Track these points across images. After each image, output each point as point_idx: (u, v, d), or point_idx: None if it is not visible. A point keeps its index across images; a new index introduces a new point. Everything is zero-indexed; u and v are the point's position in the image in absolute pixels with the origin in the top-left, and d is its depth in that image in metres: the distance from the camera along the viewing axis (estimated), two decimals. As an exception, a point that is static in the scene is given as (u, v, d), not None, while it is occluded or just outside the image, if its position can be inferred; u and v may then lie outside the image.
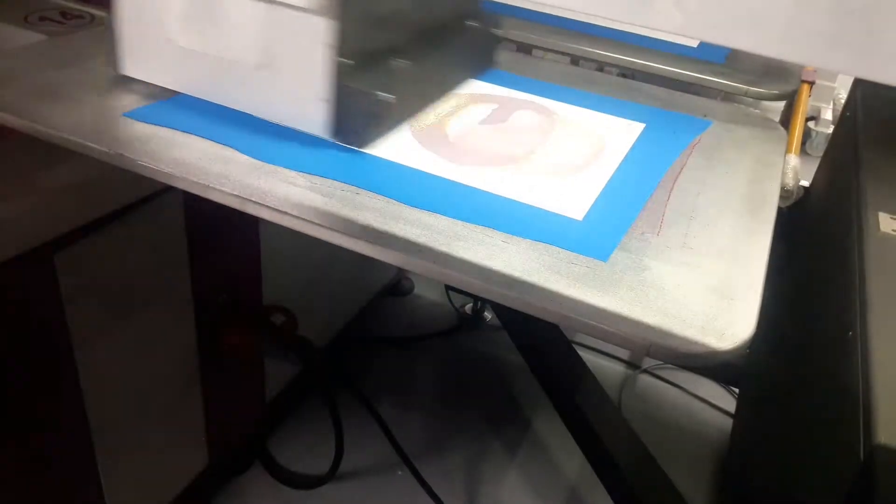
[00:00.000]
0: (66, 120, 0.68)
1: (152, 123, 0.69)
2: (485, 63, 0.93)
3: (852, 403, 0.55)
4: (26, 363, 0.84)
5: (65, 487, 0.96)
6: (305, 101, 0.68)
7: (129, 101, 0.72)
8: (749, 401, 1.31)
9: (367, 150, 0.69)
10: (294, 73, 0.67)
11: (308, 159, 0.66)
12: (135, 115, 0.70)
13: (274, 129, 0.71)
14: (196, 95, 0.73)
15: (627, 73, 1.18)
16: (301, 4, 0.63)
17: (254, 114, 0.71)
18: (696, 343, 0.49)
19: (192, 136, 0.67)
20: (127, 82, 0.76)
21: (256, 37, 0.67)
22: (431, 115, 0.78)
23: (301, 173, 0.64)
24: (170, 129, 0.68)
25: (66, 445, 0.94)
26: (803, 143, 1.44)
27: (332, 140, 0.69)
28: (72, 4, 1.12)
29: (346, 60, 0.66)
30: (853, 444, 0.52)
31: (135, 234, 0.93)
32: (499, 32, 1.16)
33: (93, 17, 1.09)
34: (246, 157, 0.65)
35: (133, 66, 0.75)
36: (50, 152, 0.69)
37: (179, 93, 0.74)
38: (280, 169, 0.64)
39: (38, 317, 0.84)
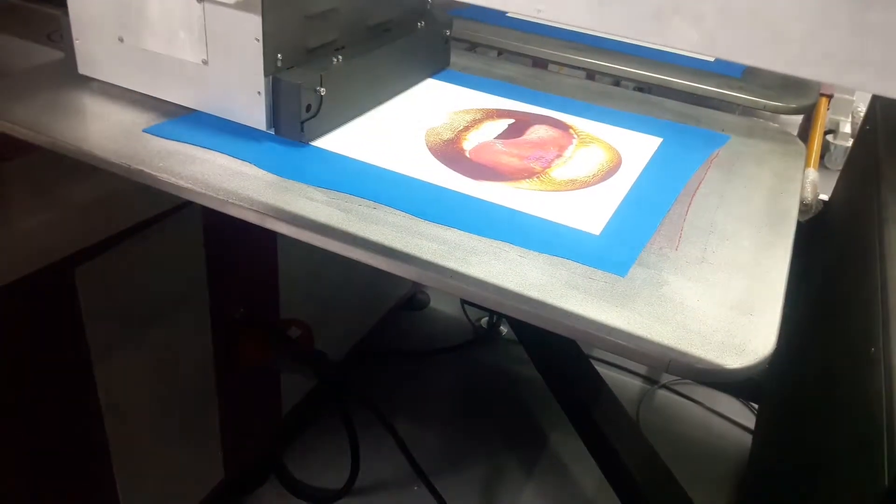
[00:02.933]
0: (86, 136, 0.69)
1: (172, 139, 0.69)
2: (440, 63, 0.96)
3: (876, 423, 0.54)
4: (46, 376, 0.85)
5: (82, 501, 0.97)
6: (243, 96, 0.72)
7: (149, 117, 0.73)
8: (769, 417, 1.30)
9: (384, 166, 0.69)
10: (232, 69, 0.71)
11: (326, 175, 0.66)
12: (155, 130, 0.71)
13: (292, 145, 0.71)
14: (146, 92, 0.77)
15: (644, 87, 1.18)
16: (229, 2, 0.67)
17: (201, 109, 0.75)
18: (715, 359, 0.48)
19: (212, 152, 0.68)
20: (147, 100, 0.77)
21: (198, 35, 0.71)
22: (448, 130, 0.78)
23: (319, 188, 0.64)
24: (189, 145, 0.69)
25: (84, 459, 0.94)
26: (822, 157, 1.43)
27: (269, 132, 0.73)
28: (94, 22, 1.14)
29: (277, 55, 0.70)
30: (877, 466, 0.51)
31: (154, 248, 0.94)
32: (514, 47, 1.17)
33: (114, 34, 1.11)
34: (264, 172, 0.66)
35: (89, 65, 0.80)
36: (71, 168, 0.70)
37: (195, 109, 0.75)
38: (298, 184, 0.64)
39: (58, 330, 0.85)
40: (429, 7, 0.94)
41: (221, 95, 0.73)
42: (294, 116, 0.71)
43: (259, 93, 0.70)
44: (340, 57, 0.76)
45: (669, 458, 1.14)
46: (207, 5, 0.69)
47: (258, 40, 0.68)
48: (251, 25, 0.68)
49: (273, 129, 0.72)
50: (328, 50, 0.77)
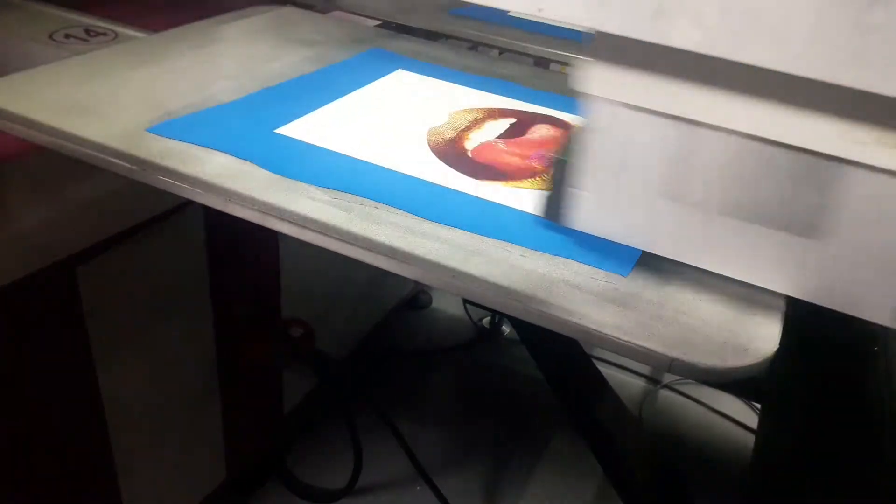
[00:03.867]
0: (89, 135, 0.69)
1: (174, 139, 0.69)
2: None
3: (879, 424, 0.54)
4: (47, 376, 0.85)
5: (84, 499, 0.97)
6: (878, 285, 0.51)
7: (151, 116, 0.73)
8: (772, 417, 1.29)
9: (385, 165, 0.69)
10: (858, 245, 0.50)
11: (327, 174, 0.66)
12: (157, 130, 0.71)
13: (293, 145, 0.71)
14: (711, 270, 0.56)
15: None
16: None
17: (803, 297, 0.54)
18: (718, 358, 0.48)
19: (214, 151, 0.68)
20: (148, 99, 0.76)
21: (775, 189, 0.50)
22: (449, 130, 0.78)
23: (320, 188, 0.64)
24: (192, 145, 0.69)
25: (86, 458, 0.94)
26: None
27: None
28: (96, 22, 1.14)
29: None
30: (880, 467, 0.51)
31: (156, 248, 0.94)
32: (515, 47, 1.17)
33: (116, 34, 1.11)
34: (266, 171, 0.66)
35: (589, 220, 0.59)
36: (73, 167, 0.70)
37: (203, 108, 0.75)
38: (300, 183, 0.64)
39: (60, 330, 0.85)
40: None
41: (836, 281, 0.53)
42: None
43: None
44: None
45: (672, 457, 1.14)
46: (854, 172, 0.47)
47: None
48: None
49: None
50: None
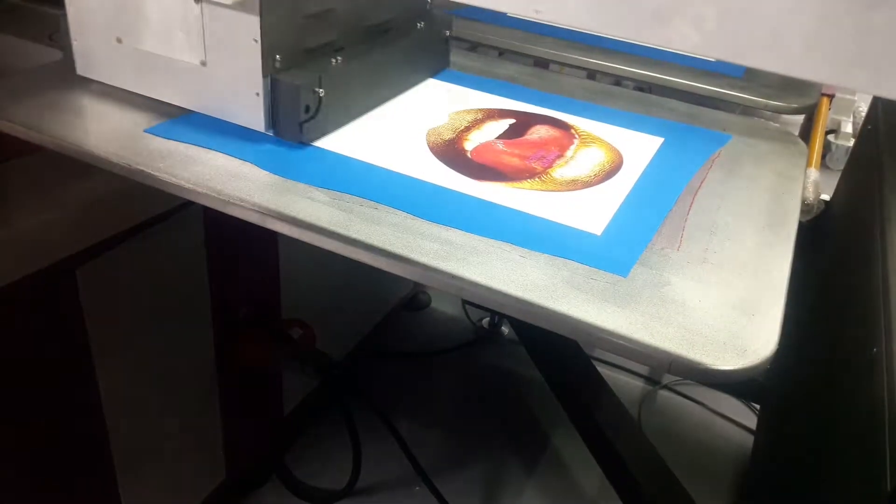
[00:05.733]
0: (88, 136, 0.69)
1: (174, 139, 0.69)
2: (440, 63, 0.97)
3: (878, 424, 0.54)
4: (47, 377, 0.85)
5: (83, 500, 0.97)
6: (242, 97, 0.71)
7: (151, 117, 0.73)
8: (770, 418, 1.29)
9: (385, 166, 0.69)
10: (230, 70, 0.71)
11: (327, 175, 0.66)
12: (156, 130, 0.71)
13: (293, 146, 0.71)
14: (144, 94, 0.77)
15: (644, 87, 1.18)
16: (227, 2, 0.67)
17: (200, 111, 0.75)
18: (717, 359, 0.48)
19: (213, 152, 0.68)
20: (148, 100, 0.77)
21: (196, 36, 0.71)
22: (449, 130, 0.78)
23: (320, 188, 0.64)
24: (191, 145, 0.69)
25: (85, 458, 0.94)
26: (823, 157, 1.43)
27: (268, 133, 0.72)
28: (95, 23, 1.14)
29: (275, 56, 0.69)
30: (880, 469, 0.51)
31: (156, 248, 0.94)
32: (515, 47, 1.17)
33: (116, 34, 1.11)
34: (266, 172, 0.66)
35: (87, 66, 0.79)
36: (73, 168, 0.70)
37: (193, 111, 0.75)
38: (299, 184, 0.64)
39: (60, 331, 0.85)
40: (428, 7, 0.94)
41: (220, 97, 0.73)
42: (293, 118, 0.71)
43: (257, 94, 0.70)
44: (339, 58, 0.76)
45: (671, 458, 1.14)
46: (205, 6, 0.69)
47: (256, 41, 0.68)
48: (249, 26, 0.68)
49: (272, 130, 0.72)
50: (327, 51, 0.77)
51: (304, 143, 0.72)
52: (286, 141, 0.72)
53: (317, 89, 0.71)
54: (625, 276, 0.56)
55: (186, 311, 1.04)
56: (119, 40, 0.75)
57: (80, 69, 0.80)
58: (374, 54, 0.81)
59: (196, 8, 0.69)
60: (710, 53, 0.46)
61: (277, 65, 0.70)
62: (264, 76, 0.69)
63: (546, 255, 0.57)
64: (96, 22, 0.76)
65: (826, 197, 1.11)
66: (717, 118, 0.91)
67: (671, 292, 0.55)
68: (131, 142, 0.68)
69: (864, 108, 1.23)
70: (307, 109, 0.71)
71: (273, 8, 0.67)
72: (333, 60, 0.75)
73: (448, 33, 0.95)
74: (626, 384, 1.71)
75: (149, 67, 0.75)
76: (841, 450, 0.68)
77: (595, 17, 0.48)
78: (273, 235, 1.16)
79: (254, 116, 0.72)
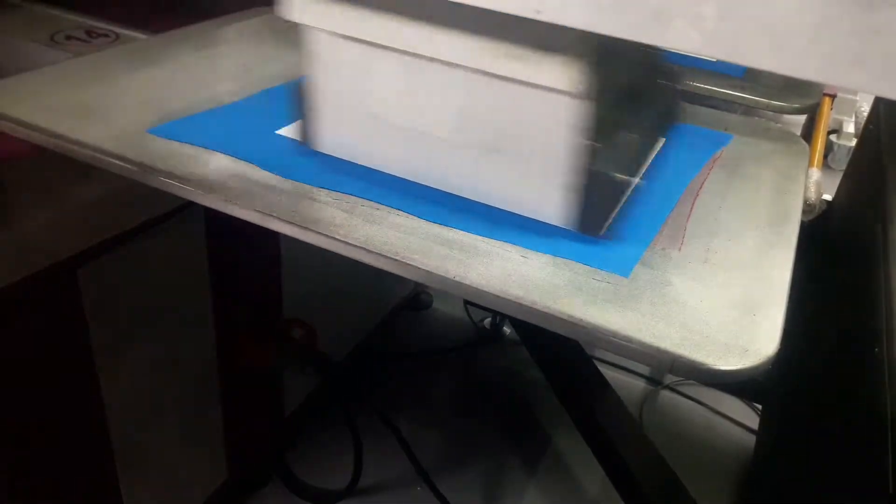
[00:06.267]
0: (90, 136, 0.69)
1: (176, 140, 0.69)
2: (674, 120, 0.84)
3: (880, 424, 0.54)
4: (48, 377, 0.85)
5: (84, 501, 0.97)
6: (543, 189, 0.60)
7: (152, 117, 0.73)
8: (772, 418, 1.29)
9: (385, 168, 0.69)
10: (531, 159, 0.60)
11: (328, 176, 0.66)
12: (158, 131, 0.71)
13: (294, 147, 0.71)
14: (408, 178, 0.66)
15: (646, 87, 1.17)
16: (554, 85, 0.55)
17: (474, 199, 0.64)
18: (719, 359, 0.48)
19: (215, 153, 0.68)
20: (149, 100, 0.77)
21: (487, 118, 0.60)
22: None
23: (322, 189, 0.64)
24: (193, 146, 0.69)
25: (87, 459, 0.94)
26: (825, 157, 1.43)
27: (571, 230, 0.62)
28: (97, 23, 1.14)
29: (594, 143, 0.58)
30: (882, 470, 0.51)
31: (157, 249, 0.94)
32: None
33: (117, 35, 1.11)
34: (267, 172, 0.66)
35: (331, 142, 0.69)
36: (74, 168, 0.70)
37: (204, 109, 0.75)
38: (300, 184, 0.64)
39: (61, 331, 0.85)
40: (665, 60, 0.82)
41: (509, 187, 0.62)
42: (604, 210, 0.61)
43: (568, 188, 0.59)
44: (627, 134, 0.67)
45: (673, 458, 1.14)
46: (509, 85, 0.57)
47: (579, 128, 0.57)
48: (572, 111, 0.56)
49: (576, 226, 0.62)
50: (617, 129, 0.66)
51: (603, 237, 0.62)
52: (287, 141, 0.71)
53: (624, 176, 0.62)
54: (626, 277, 0.56)
55: (187, 311, 1.04)
56: (379, 117, 0.64)
57: (322, 146, 0.69)
58: (639, 123, 0.71)
59: (496, 86, 0.58)
60: (711, 53, 0.46)
61: (593, 152, 0.58)
62: (581, 167, 0.59)
63: (547, 255, 0.57)
64: (349, 94, 0.65)
65: (828, 197, 1.11)
66: (717, 118, 0.91)
67: (673, 292, 0.54)
68: (133, 142, 0.68)
69: (866, 108, 1.23)
70: (613, 199, 0.62)
71: (603, 92, 0.56)
72: (622, 137, 0.65)
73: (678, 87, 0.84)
74: (627, 384, 1.71)
75: (416, 150, 0.65)
76: (843, 450, 0.68)
77: (595, 17, 0.48)
78: (274, 236, 1.16)
79: (557, 211, 0.61)
